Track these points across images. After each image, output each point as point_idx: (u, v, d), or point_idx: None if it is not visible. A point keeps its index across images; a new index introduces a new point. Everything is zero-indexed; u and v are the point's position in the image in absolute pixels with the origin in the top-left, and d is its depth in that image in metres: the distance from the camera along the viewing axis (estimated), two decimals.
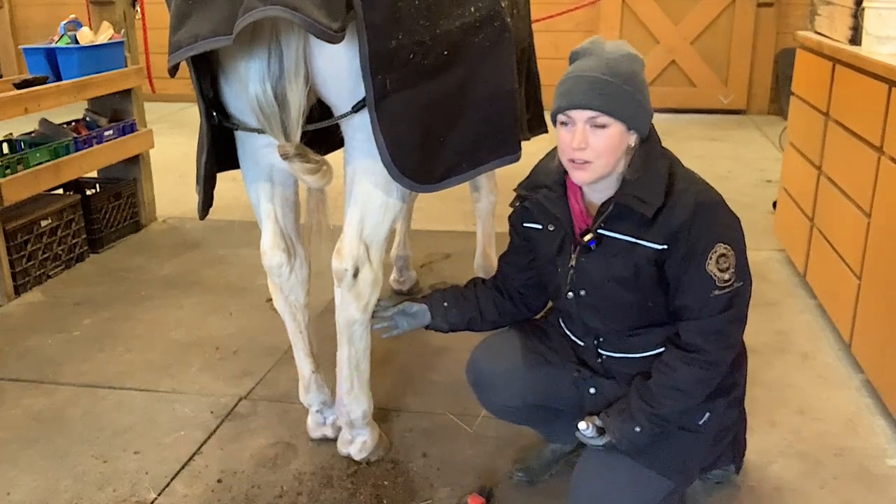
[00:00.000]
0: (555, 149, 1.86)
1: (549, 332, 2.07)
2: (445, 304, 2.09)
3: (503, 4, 2.08)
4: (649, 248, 1.76)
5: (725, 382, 1.89)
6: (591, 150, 1.71)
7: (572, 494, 1.91)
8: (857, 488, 2.16)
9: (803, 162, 3.31)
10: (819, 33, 3.30)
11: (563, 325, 2.06)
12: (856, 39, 2.86)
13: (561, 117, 1.74)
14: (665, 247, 1.75)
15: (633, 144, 1.76)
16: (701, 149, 5.80)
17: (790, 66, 3.73)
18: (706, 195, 1.77)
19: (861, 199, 2.66)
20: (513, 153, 2.18)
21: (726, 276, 1.74)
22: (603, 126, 1.70)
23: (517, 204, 1.98)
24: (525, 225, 1.97)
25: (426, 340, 3.00)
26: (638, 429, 1.79)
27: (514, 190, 1.99)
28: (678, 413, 1.81)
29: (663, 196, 1.74)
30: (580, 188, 1.84)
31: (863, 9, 2.80)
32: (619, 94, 1.69)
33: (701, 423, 1.87)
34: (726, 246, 1.74)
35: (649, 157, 1.77)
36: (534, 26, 2.68)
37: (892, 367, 2.36)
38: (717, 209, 1.77)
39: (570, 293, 1.89)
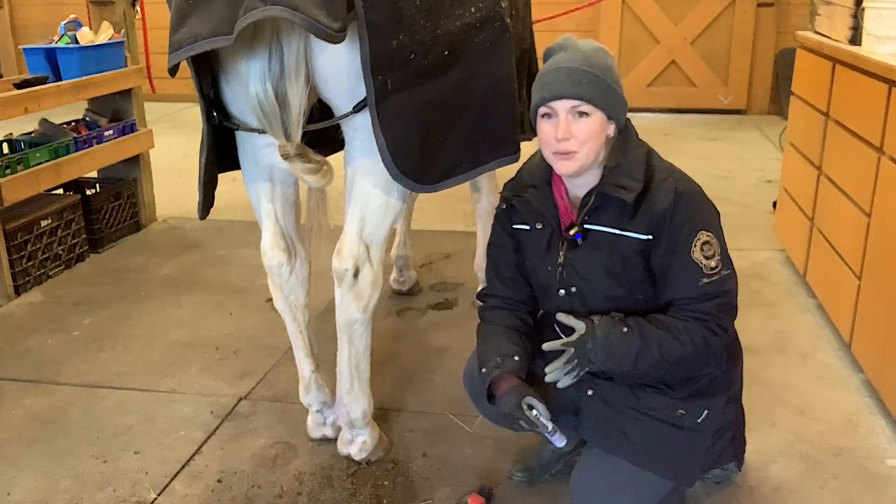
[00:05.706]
0: (538, 151, 1.89)
1: (545, 336, 2.06)
2: (516, 357, 1.91)
3: (503, 5, 2.09)
4: (634, 238, 1.78)
5: (722, 380, 1.90)
6: (574, 140, 1.74)
7: (572, 494, 1.91)
8: (857, 488, 2.16)
9: (803, 162, 3.31)
10: (819, 33, 3.30)
11: (556, 329, 2.05)
12: (856, 39, 2.86)
13: (543, 109, 1.77)
14: (650, 237, 1.77)
15: (611, 135, 1.80)
16: (701, 149, 5.80)
17: (790, 66, 3.73)
18: (686, 185, 1.80)
19: (861, 199, 2.66)
20: (512, 153, 2.19)
21: (712, 264, 1.75)
22: (585, 114, 1.73)
23: (502, 206, 1.98)
24: (514, 226, 1.96)
25: (426, 340, 3.00)
26: (625, 329, 1.74)
27: (500, 192, 2.00)
28: (661, 359, 1.75)
29: (643, 181, 1.77)
30: (564, 185, 1.86)
31: (863, 9, 2.80)
32: (597, 83, 1.73)
33: (699, 421, 1.86)
34: (709, 234, 1.76)
35: (627, 145, 1.81)
36: (534, 27, 2.68)
37: (892, 367, 2.36)
38: (697, 198, 1.80)
39: (562, 290, 1.89)
